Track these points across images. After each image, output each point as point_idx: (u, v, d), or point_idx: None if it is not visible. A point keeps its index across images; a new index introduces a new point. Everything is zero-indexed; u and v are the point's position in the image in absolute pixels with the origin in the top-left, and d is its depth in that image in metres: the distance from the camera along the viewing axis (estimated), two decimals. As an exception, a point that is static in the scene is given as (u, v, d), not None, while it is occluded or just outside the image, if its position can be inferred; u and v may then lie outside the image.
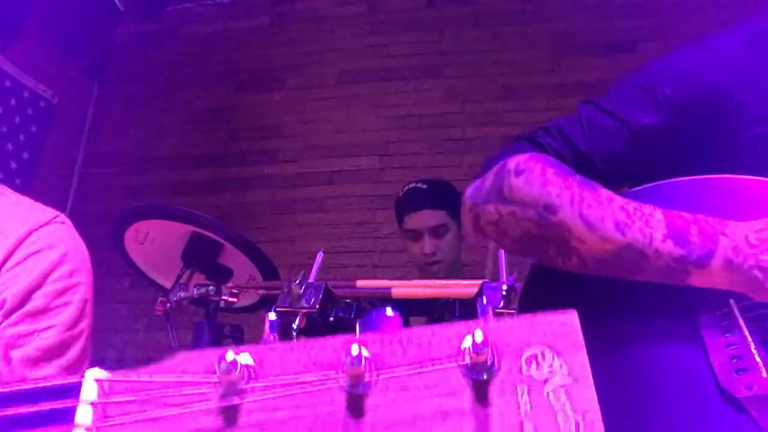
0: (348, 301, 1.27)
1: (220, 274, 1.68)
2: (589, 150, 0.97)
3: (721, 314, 0.81)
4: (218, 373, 0.42)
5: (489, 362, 0.40)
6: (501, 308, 1.12)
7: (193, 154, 3.86)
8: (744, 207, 0.84)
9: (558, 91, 3.50)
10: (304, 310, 1.18)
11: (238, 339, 1.54)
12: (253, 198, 3.69)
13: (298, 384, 0.42)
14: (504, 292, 1.11)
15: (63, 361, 0.92)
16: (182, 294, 1.50)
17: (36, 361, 0.89)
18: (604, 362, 0.84)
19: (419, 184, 2.24)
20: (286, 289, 1.20)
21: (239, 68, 3.99)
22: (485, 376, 0.40)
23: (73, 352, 0.94)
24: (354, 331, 1.26)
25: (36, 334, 0.90)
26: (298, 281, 1.20)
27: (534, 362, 0.41)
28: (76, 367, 0.94)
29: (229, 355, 0.41)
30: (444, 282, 1.59)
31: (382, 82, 3.76)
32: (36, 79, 3.57)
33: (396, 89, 3.73)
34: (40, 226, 0.97)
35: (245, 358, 0.42)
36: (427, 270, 2.19)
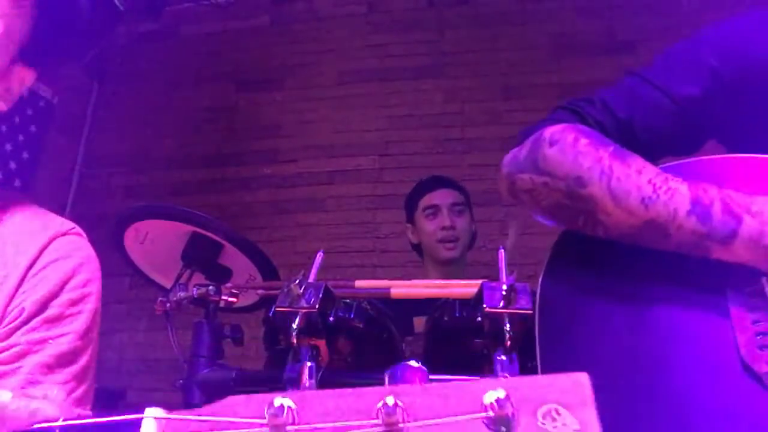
0: (348, 301, 1.27)
1: (220, 274, 1.67)
2: (631, 120, 0.97)
3: (751, 291, 0.82)
4: (267, 417, 0.46)
5: (509, 416, 0.44)
6: (501, 308, 1.12)
7: (193, 154, 3.86)
8: None
9: (558, 91, 3.50)
10: (303, 310, 1.17)
11: (238, 339, 1.54)
12: (253, 198, 3.69)
13: (337, 429, 0.46)
14: (504, 292, 1.11)
15: (75, 368, 0.95)
16: (182, 294, 1.50)
17: (51, 368, 0.92)
18: (629, 323, 0.84)
19: (436, 175, 2.41)
20: (285, 289, 1.20)
21: (239, 68, 3.99)
22: (504, 429, 0.44)
23: (83, 360, 0.96)
24: (355, 332, 1.27)
25: (50, 341, 0.93)
26: (297, 281, 1.19)
27: (549, 417, 0.44)
28: (86, 374, 0.97)
29: (277, 401, 0.46)
30: (443, 282, 1.59)
31: (382, 82, 3.76)
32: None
33: (396, 89, 3.73)
34: (59, 236, 1.01)
35: (289, 403, 0.47)
36: (441, 249, 2.20)
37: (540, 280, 0.94)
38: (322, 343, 1.22)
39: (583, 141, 0.90)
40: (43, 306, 0.94)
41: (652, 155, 0.92)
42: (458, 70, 3.71)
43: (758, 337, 0.78)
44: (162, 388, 3.21)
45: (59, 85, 3.74)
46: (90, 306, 0.99)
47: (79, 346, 0.95)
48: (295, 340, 1.17)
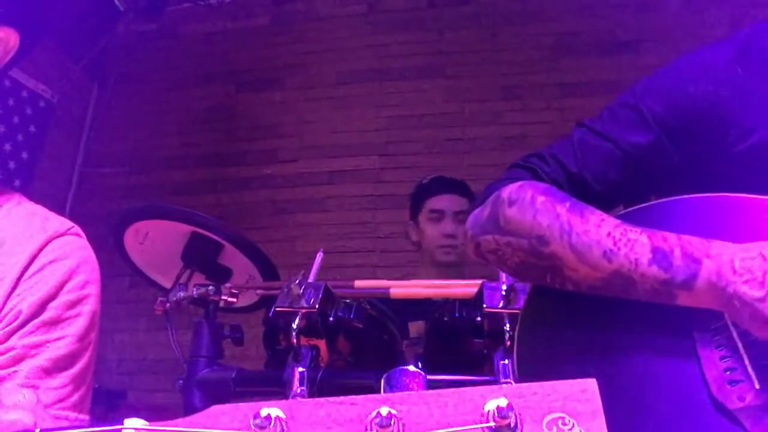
0: (347, 301, 1.27)
1: (220, 274, 1.68)
2: (583, 173, 0.99)
3: (716, 328, 0.83)
4: (252, 428, 0.44)
5: (512, 426, 0.42)
6: (501, 308, 1.12)
7: (193, 154, 3.86)
8: (741, 227, 0.85)
9: (558, 91, 3.50)
10: (303, 310, 1.18)
11: (237, 339, 1.54)
12: (253, 198, 3.69)
13: None
14: (504, 292, 1.11)
15: (73, 371, 0.93)
16: (182, 294, 1.50)
17: (48, 371, 0.90)
18: (603, 370, 0.84)
19: (444, 176, 2.35)
20: (285, 289, 1.20)
21: (239, 68, 3.99)
22: None
23: (82, 363, 0.94)
24: (355, 333, 1.27)
25: (48, 344, 0.91)
26: (297, 281, 1.20)
27: (555, 427, 0.42)
28: (84, 378, 0.95)
29: (264, 411, 0.44)
30: (443, 282, 1.59)
31: (382, 82, 3.76)
32: (36, 79, 3.57)
33: (396, 89, 3.73)
34: (57, 236, 0.98)
35: (277, 413, 0.44)
36: (441, 254, 2.20)
37: (516, 340, 0.94)
38: (322, 343, 1.22)
39: (540, 198, 0.91)
40: (41, 308, 0.91)
41: (607, 204, 0.94)
42: (458, 70, 3.71)
43: (727, 373, 0.79)
44: (162, 388, 3.22)
45: (59, 85, 3.75)
46: (88, 308, 0.97)
47: (77, 349, 0.93)
48: (295, 340, 1.17)
